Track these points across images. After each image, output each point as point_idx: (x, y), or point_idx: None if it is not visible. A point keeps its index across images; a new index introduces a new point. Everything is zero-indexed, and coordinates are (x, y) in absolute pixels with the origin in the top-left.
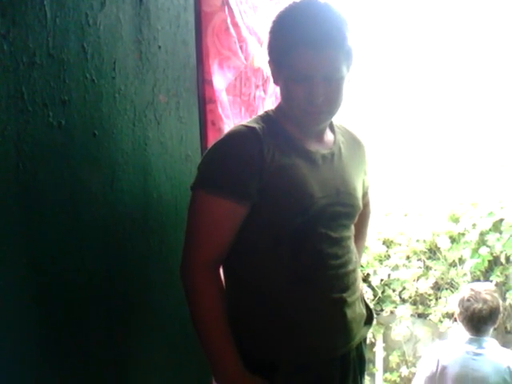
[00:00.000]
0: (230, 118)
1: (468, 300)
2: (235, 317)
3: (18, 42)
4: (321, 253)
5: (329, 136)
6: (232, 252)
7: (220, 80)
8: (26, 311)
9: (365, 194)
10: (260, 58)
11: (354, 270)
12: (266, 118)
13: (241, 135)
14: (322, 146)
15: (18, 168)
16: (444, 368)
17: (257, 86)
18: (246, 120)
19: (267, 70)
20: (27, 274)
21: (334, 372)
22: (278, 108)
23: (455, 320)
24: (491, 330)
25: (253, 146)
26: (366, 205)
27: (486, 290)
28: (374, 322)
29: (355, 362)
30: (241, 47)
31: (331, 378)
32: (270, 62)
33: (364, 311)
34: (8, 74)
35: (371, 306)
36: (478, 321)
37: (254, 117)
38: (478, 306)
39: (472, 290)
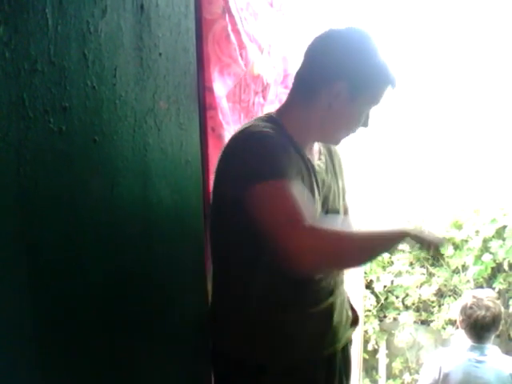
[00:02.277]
0: (230, 125)
1: (471, 307)
2: (225, 318)
3: (19, 50)
4: None
5: (315, 147)
6: (230, 254)
7: (220, 87)
8: (25, 315)
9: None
10: (260, 65)
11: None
12: (272, 120)
13: (266, 132)
14: (312, 156)
15: (19, 173)
16: (446, 375)
17: (256, 93)
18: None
19: (267, 77)
20: (27, 278)
21: (318, 374)
22: (283, 113)
23: (457, 327)
24: (493, 337)
25: (280, 139)
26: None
27: (488, 296)
28: (378, 328)
29: (341, 364)
30: (241, 54)
31: (316, 380)
32: (349, 87)
33: (350, 313)
34: (10, 80)
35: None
36: (480, 328)
37: (257, 118)
38: (481, 313)
39: (474, 297)
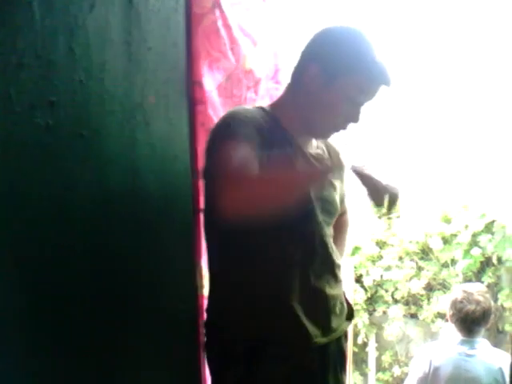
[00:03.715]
0: None
1: (461, 302)
2: (226, 297)
3: (6, 43)
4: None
5: (313, 141)
6: (233, 236)
7: (210, 81)
8: (11, 309)
9: (341, 202)
10: (252, 59)
11: (339, 267)
12: (258, 108)
13: (246, 109)
14: (310, 148)
15: (6, 168)
16: (436, 369)
17: (248, 88)
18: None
19: (259, 72)
20: (12, 272)
21: (313, 365)
22: (277, 107)
23: (447, 320)
24: (483, 330)
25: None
26: (344, 212)
27: (479, 291)
28: (368, 321)
29: (335, 355)
30: (232, 49)
31: (311, 368)
32: (322, 70)
33: (345, 306)
34: None
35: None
36: (471, 322)
37: (247, 107)
38: (472, 307)
39: (464, 291)
